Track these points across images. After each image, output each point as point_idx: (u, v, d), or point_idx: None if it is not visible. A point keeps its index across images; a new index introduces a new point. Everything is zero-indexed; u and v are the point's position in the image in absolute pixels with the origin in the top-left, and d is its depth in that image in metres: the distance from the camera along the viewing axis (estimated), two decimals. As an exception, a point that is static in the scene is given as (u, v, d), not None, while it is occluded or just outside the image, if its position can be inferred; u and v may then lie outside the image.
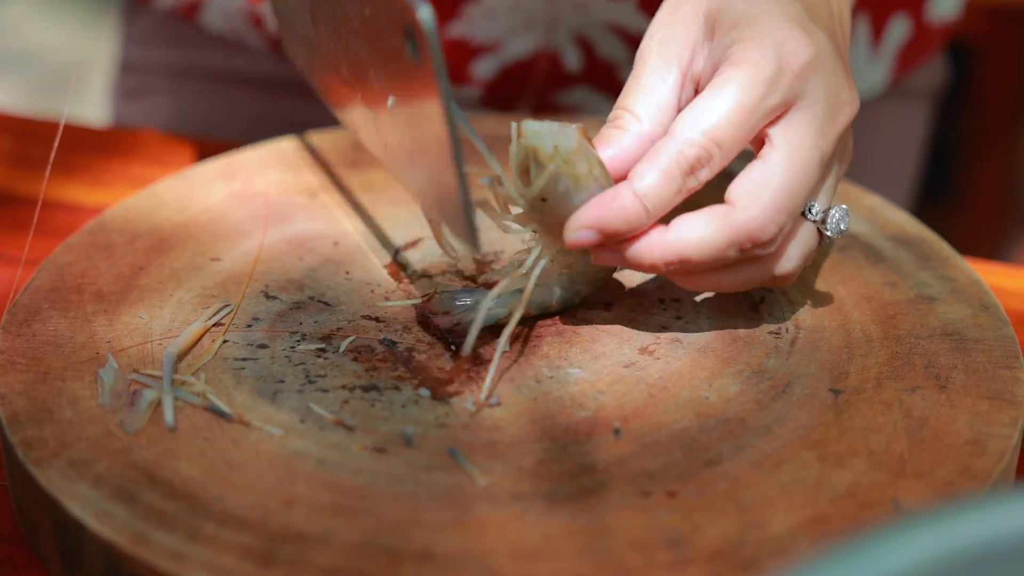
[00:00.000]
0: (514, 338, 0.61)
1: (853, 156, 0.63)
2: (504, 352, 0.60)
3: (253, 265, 0.66)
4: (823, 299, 0.64)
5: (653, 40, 0.60)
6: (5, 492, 0.58)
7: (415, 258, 0.67)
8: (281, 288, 0.65)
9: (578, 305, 0.63)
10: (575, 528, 0.52)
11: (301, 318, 0.63)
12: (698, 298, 0.64)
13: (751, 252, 0.57)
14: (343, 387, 0.59)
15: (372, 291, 0.65)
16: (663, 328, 0.62)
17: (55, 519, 0.53)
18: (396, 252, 0.67)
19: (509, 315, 0.60)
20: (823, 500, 0.53)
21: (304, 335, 0.61)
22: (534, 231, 0.60)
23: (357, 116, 0.66)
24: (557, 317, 0.63)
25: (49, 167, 0.72)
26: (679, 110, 0.59)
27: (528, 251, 0.60)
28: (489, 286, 0.63)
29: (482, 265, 0.66)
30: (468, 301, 0.61)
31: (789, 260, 0.59)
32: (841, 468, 0.54)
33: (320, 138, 0.76)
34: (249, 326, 0.62)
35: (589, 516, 0.52)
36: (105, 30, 2.31)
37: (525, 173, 0.58)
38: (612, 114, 0.59)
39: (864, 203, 0.70)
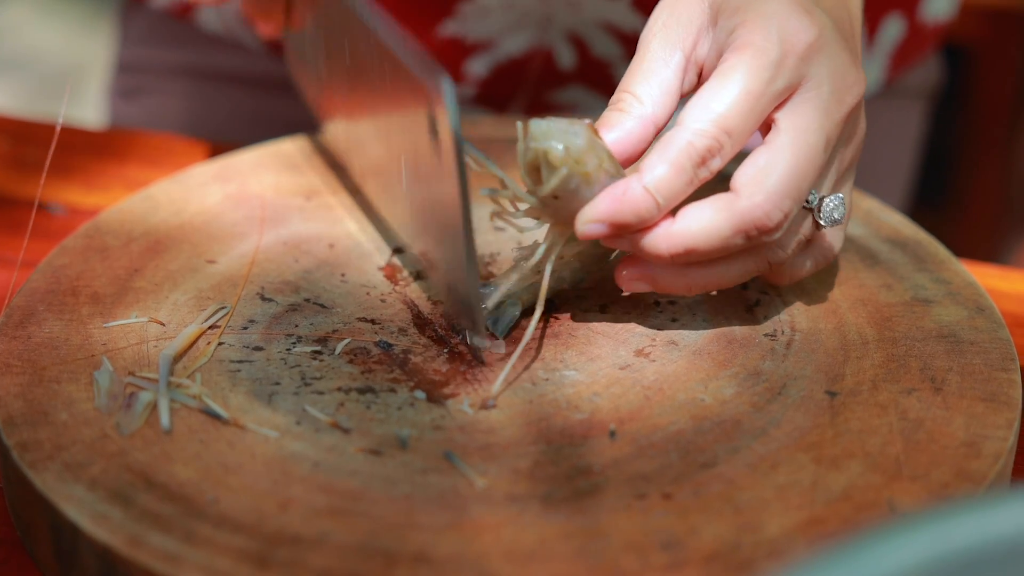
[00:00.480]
0: (511, 340, 0.61)
1: None
2: (500, 355, 0.60)
3: (249, 267, 0.66)
4: (818, 301, 0.64)
5: (657, 23, 0.60)
6: (0, 495, 0.58)
7: (410, 260, 0.67)
8: (277, 290, 0.64)
9: (574, 307, 0.63)
10: (571, 530, 0.52)
11: (297, 320, 0.63)
12: (693, 300, 0.64)
13: (758, 239, 0.57)
14: (339, 389, 0.59)
15: (368, 293, 0.65)
16: (659, 330, 0.62)
17: (50, 521, 0.53)
18: (392, 254, 0.67)
19: (524, 308, 0.61)
20: (819, 502, 0.53)
21: (300, 337, 0.61)
22: (541, 221, 0.60)
23: (364, 166, 0.67)
24: (552, 319, 0.63)
25: (46, 169, 0.72)
26: (682, 94, 0.59)
27: (534, 244, 0.60)
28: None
29: (482, 266, 0.66)
30: (491, 290, 0.61)
31: (783, 248, 0.59)
32: (837, 470, 0.54)
33: (316, 141, 0.76)
34: (245, 328, 0.62)
35: (585, 518, 0.52)
36: (102, 33, 2.31)
37: (535, 171, 0.58)
38: (615, 96, 0.59)
39: (860, 205, 0.70)
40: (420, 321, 0.63)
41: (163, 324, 0.62)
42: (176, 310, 0.63)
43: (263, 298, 0.64)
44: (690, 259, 0.57)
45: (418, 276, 0.66)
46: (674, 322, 0.62)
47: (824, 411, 0.57)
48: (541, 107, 0.87)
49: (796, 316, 0.63)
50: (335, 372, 0.59)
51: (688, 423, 0.57)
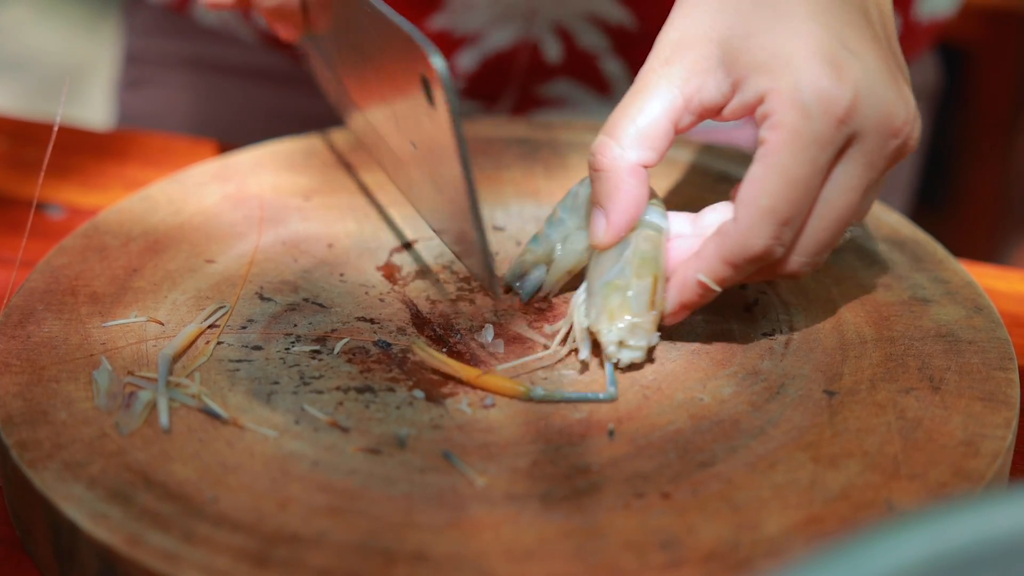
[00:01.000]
0: (510, 341, 0.61)
1: None
2: (498, 355, 0.60)
3: (248, 267, 0.66)
4: (817, 301, 0.64)
5: (658, 59, 0.58)
6: (0, 494, 0.58)
7: (409, 260, 0.67)
8: (276, 290, 0.65)
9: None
10: (569, 529, 0.52)
11: (296, 320, 0.63)
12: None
13: (757, 266, 0.57)
14: (338, 389, 0.59)
15: (366, 293, 0.65)
16: (657, 329, 0.62)
17: (50, 521, 0.53)
18: (391, 254, 0.67)
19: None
20: (817, 501, 0.53)
21: (299, 337, 0.62)
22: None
23: (384, 155, 0.67)
24: (552, 319, 0.63)
25: (44, 169, 0.72)
26: (673, 136, 0.58)
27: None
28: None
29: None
30: (534, 255, 0.64)
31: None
32: (835, 469, 0.54)
33: (314, 140, 0.76)
34: (244, 328, 0.62)
35: (583, 517, 0.52)
36: (103, 33, 2.31)
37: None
38: (596, 142, 0.58)
39: (859, 205, 0.70)
40: (419, 320, 0.63)
41: (162, 323, 0.62)
42: (175, 310, 0.63)
43: (262, 298, 0.64)
44: (705, 300, 0.59)
45: (417, 276, 0.66)
46: (673, 321, 0.63)
47: (822, 410, 0.57)
48: (530, 102, 0.88)
49: (794, 315, 0.63)
50: (334, 371, 0.60)
51: (686, 422, 0.57)
